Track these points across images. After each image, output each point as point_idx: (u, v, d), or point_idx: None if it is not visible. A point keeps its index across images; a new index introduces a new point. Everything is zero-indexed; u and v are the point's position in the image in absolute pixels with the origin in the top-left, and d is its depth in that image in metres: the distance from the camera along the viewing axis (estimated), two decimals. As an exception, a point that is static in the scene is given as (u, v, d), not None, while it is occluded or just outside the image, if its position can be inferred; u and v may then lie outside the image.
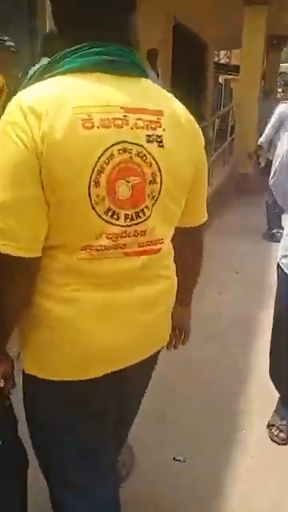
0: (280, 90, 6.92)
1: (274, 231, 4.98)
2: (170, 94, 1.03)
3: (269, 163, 4.77)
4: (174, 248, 1.14)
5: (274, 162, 1.94)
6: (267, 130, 5.01)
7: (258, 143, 5.25)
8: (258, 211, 5.42)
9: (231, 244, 4.73)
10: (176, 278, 1.16)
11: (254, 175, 7.43)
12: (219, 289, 3.65)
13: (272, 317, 2.05)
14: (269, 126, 4.99)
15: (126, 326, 1.03)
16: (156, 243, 1.01)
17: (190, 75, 8.28)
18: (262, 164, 5.61)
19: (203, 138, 1.08)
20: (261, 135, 5.22)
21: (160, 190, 0.96)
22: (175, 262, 1.16)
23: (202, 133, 1.07)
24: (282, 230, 2.10)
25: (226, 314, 3.27)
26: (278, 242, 2.02)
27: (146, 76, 0.98)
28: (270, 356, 2.10)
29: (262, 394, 2.31)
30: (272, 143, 4.97)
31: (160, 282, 1.08)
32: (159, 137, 0.93)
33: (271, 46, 9.12)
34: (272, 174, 1.94)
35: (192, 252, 1.26)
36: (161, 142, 0.93)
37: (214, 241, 3.86)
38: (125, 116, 0.89)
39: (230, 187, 6.76)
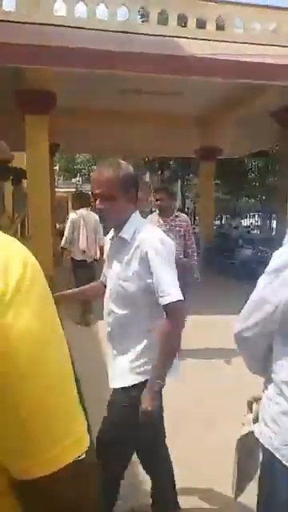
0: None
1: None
2: None
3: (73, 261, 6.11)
4: None
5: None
6: (67, 234, 5.98)
7: (62, 245, 6.11)
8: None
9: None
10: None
11: (55, 276, 7.23)
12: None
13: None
14: (66, 232, 6.03)
15: None
16: None
17: None
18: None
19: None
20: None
21: None
22: None
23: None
24: None
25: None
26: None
27: None
28: None
29: None
30: (71, 244, 6.02)
31: None
32: None
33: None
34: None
35: None
36: None
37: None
38: None
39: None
